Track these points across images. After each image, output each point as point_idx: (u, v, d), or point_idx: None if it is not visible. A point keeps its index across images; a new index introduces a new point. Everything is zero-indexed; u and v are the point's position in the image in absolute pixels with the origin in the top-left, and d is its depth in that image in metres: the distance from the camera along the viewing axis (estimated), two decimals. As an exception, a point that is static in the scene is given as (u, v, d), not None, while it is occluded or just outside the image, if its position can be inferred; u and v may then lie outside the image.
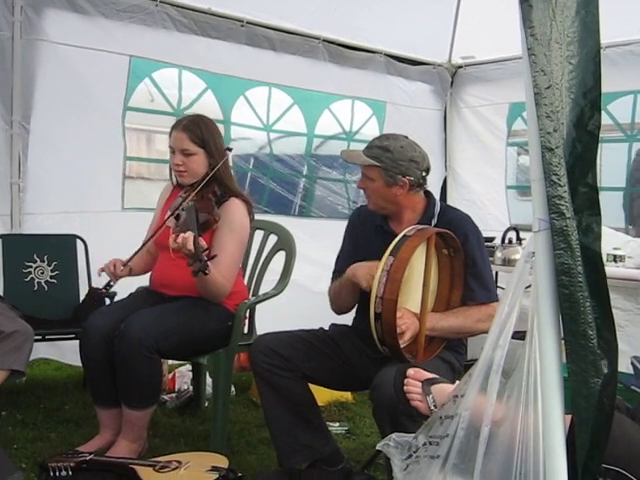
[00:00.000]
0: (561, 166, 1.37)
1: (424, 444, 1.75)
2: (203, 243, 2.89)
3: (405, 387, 2.13)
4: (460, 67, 6.19)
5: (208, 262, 2.83)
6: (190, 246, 2.83)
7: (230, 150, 3.37)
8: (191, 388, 4.14)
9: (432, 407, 2.00)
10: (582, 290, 1.37)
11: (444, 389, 2.03)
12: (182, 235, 2.87)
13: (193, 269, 2.81)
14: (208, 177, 3.23)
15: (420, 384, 2.09)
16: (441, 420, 1.71)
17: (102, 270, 3.31)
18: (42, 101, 4.30)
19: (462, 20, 5.75)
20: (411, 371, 2.14)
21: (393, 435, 1.91)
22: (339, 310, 3.02)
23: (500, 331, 1.56)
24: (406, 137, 2.90)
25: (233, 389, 3.92)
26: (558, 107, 1.38)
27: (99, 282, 3.49)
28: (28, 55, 4.22)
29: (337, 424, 3.78)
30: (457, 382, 2.03)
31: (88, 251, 4.27)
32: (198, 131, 3.29)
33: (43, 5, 4.23)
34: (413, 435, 1.85)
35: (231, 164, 5.09)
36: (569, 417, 1.41)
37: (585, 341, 1.37)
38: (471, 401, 1.62)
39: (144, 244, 3.35)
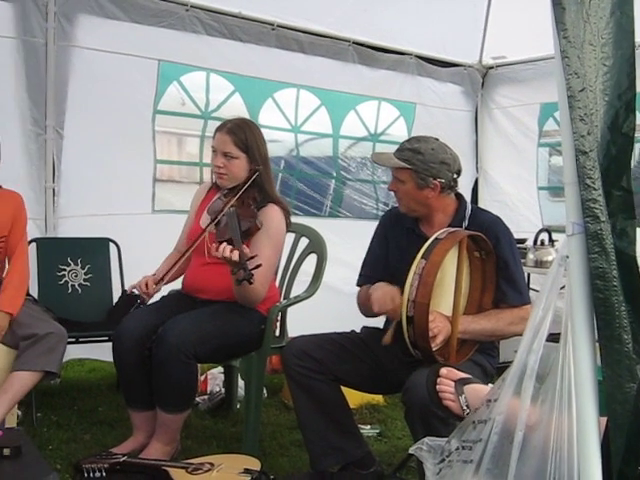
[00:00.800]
0: (595, 169, 1.36)
1: (457, 448, 1.74)
2: (247, 251, 2.89)
3: (438, 386, 2.12)
4: (491, 68, 6.16)
5: (252, 271, 2.81)
6: (235, 257, 2.82)
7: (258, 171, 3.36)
8: (223, 390, 4.15)
9: (464, 407, 1.99)
10: (617, 294, 1.36)
11: (477, 390, 2.01)
12: (225, 247, 2.85)
13: (237, 277, 2.81)
14: (248, 183, 3.24)
15: (453, 384, 2.08)
16: (474, 424, 1.70)
17: (133, 288, 3.35)
18: (75, 106, 4.36)
19: (493, 20, 5.72)
20: (444, 370, 2.13)
21: (426, 439, 1.90)
22: (367, 315, 3.01)
23: (534, 335, 1.55)
24: (437, 139, 2.89)
25: (265, 391, 3.92)
26: (592, 110, 1.37)
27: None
28: (61, 61, 4.28)
29: (368, 427, 3.77)
30: (490, 385, 2.02)
31: (121, 254, 4.31)
32: (242, 135, 3.29)
33: (76, 12, 4.29)
34: (446, 439, 1.84)
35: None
36: (604, 420, 1.40)
37: (620, 345, 1.36)
38: (505, 405, 1.61)
39: (182, 256, 3.35)
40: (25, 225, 3.44)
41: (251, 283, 2.83)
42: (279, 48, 5.05)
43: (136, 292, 3.35)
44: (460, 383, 2.05)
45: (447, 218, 2.91)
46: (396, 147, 2.93)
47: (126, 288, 3.41)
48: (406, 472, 3.05)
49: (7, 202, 3.38)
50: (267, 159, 3.38)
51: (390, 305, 2.68)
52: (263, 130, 5.13)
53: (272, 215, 3.27)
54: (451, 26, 5.65)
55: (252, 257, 2.87)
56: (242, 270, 2.80)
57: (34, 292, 3.93)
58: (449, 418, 2.35)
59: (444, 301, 2.67)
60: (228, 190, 3.30)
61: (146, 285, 3.26)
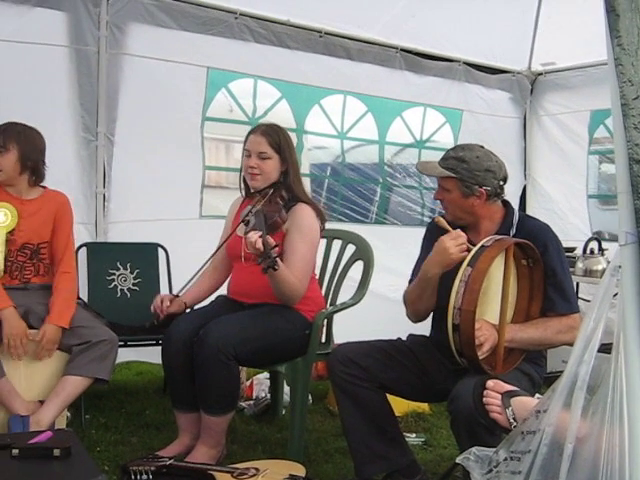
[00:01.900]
0: (649, 178, 1.34)
1: (505, 459, 1.72)
2: (271, 240, 2.94)
3: (484, 399, 2.11)
4: (540, 74, 6.11)
5: (277, 258, 2.88)
6: (259, 245, 2.89)
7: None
8: (268, 396, 4.17)
9: (511, 420, 1.97)
10: (671, 305, 1.34)
11: (524, 402, 1.99)
12: (249, 234, 2.94)
13: (263, 266, 2.86)
14: (274, 188, 3.31)
15: (499, 396, 2.06)
16: (523, 435, 1.68)
17: (153, 307, 3.45)
18: (125, 113, 4.44)
19: (542, 26, 5.67)
20: (490, 383, 2.12)
21: (473, 449, 1.89)
22: (415, 316, 2.98)
23: (585, 346, 1.53)
24: (482, 147, 2.87)
25: (310, 397, 3.93)
26: (647, 118, 1.35)
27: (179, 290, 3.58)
28: (112, 69, 4.36)
29: (414, 435, 3.75)
30: (537, 395, 2.00)
31: (169, 259, 4.37)
32: (276, 137, 3.38)
33: (127, 20, 4.37)
34: (494, 449, 1.82)
35: (308, 172, 5.18)
36: None
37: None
38: (554, 417, 1.59)
39: (195, 274, 3.45)
40: (70, 229, 3.45)
41: (275, 269, 2.88)
42: (326, 55, 5.09)
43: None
44: (507, 396, 2.03)
45: (494, 225, 2.89)
46: (441, 154, 2.92)
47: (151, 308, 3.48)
48: (451, 481, 3.04)
49: (49, 205, 3.39)
50: (296, 162, 3.48)
51: (462, 239, 2.67)
52: (309, 136, 5.24)
53: (303, 213, 3.33)
54: (500, 32, 5.62)
55: (276, 245, 2.94)
56: (267, 258, 2.85)
57: (84, 296, 4.00)
58: (495, 430, 2.34)
59: (491, 309, 2.65)
60: (257, 194, 3.38)
61: (161, 302, 3.41)
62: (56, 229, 3.39)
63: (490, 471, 1.78)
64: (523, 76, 6.09)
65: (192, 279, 3.44)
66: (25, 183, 3.34)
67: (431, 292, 2.85)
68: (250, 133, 3.43)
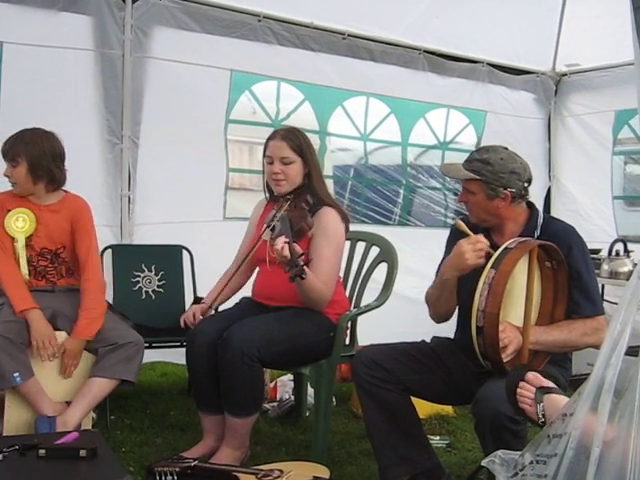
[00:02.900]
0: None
1: (531, 462, 1.72)
2: (298, 249, 2.94)
3: (519, 389, 2.09)
4: (564, 75, 6.08)
5: (304, 267, 2.87)
6: (286, 252, 2.89)
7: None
8: (292, 397, 4.18)
9: (540, 416, 1.96)
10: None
11: (556, 401, 1.97)
12: (277, 240, 2.94)
13: (290, 275, 2.86)
14: (298, 190, 3.32)
15: (534, 390, 2.05)
16: (549, 439, 1.67)
17: (183, 319, 3.47)
18: (150, 116, 4.47)
19: (566, 27, 5.65)
20: (530, 375, 2.10)
21: (499, 452, 1.88)
22: (438, 316, 2.99)
23: (612, 349, 1.52)
24: (506, 148, 2.86)
25: (334, 399, 3.93)
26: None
27: (203, 292, 3.60)
28: (137, 72, 4.39)
29: (438, 437, 3.74)
30: (561, 396, 1.99)
31: (194, 261, 4.40)
32: (297, 140, 3.37)
33: (151, 24, 4.40)
34: (519, 452, 1.82)
35: (331, 174, 5.19)
36: None
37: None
38: (581, 420, 1.58)
39: (233, 273, 3.45)
40: (89, 234, 3.42)
41: (303, 278, 2.89)
42: (349, 57, 5.09)
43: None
44: (541, 391, 2.01)
45: (518, 227, 2.87)
46: (465, 155, 2.92)
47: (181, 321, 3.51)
48: (475, 484, 3.02)
49: (66, 211, 3.39)
50: (318, 164, 3.47)
51: (482, 245, 2.66)
52: (332, 138, 5.25)
53: (328, 217, 3.32)
54: (524, 33, 5.61)
55: (303, 254, 2.94)
56: (294, 267, 2.85)
57: (109, 297, 4.03)
58: (520, 424, 2.34)
59: (515, 311, 2.64)
60: (282, 198, 3.36)
61: (193, 316, 3.42)
62: (75, 235, 3.39)
63: (516, 474, 1.77)
64: (547, 77, 6.06)
65: (221, 291, 3.45)
66: (42, 191, 3.34)
67: (448, 294, 2.87)
68: (269, 139, 3.42)
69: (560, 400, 1.94)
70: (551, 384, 2.06)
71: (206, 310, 3.46)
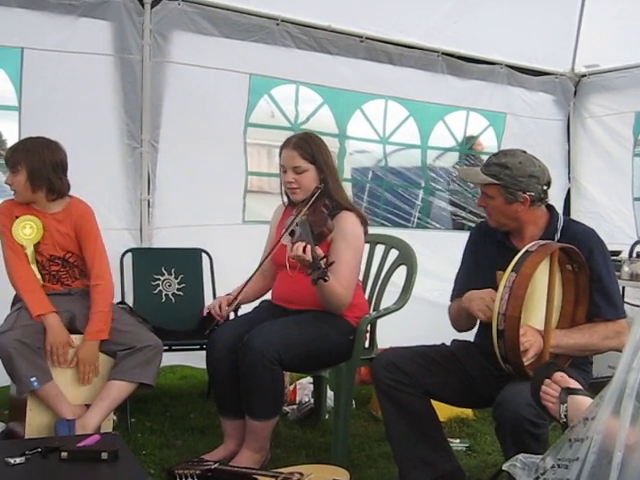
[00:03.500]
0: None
1: (552, 466, 1.71)
2: (320, 251, 2.94)
3: (544, 387, 2.08)
4: (584, 76, 6.05)
5: (326, 269, 2.87)
6: (308, 256, 2.89)
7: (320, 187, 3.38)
8: (312, 400, 4.18)
9: (562, 415, 1.95)
10: None
11: (580, 403, 1.95)
12: (297, 245, 2.93)
13: (312, 277, 2.86)
14: (317, 194, 3.29)
15: (559, 389, 2.03)
16: (570, 442, 1.66)
17: (208, 310, 3.45)
18: (169, 120, 4.50)
19: (586, 28, 5.62)
20: (558, 376, 2.09)
21: (520, 456, 1.87)
22: (459, 330, 3.01)
23: (634, 353, 1.51)
24: (524, 152, 2.85)
25: (353, 402, 3.93)
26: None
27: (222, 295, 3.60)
28: (156, 76, 4.42)
29: (457, 440, 3.72)
30: (586, 398, 1.97)
31: (213, 264, 4.41)
32: (308, 148, 3.35)
33: (170, 28, 4.43)
34: (540, 456, 1.81)
35: (349, 177, 5.19)
36: None
37: None
38: (603, 424, 1.57)
39: (255, 272, 3.42)
40: (94, 238, 3.41)
41: (326, 281, 2.89)
42: (368, 60, 5.09)
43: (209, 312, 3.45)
44: (566, 392, 2.00)
45: (538, 230, 2.86)
46: (485, 157, 2.91)
47: (204, 310, 3.49)
48: (496, 488, 3.01)
49: (70, 218, 3.39)
50: (334, 168, 3.46)
51: (488, 303, 2.64)
52: (351, 142, 5.24)
53: (347, 221, 3.32)
54: (542, 35, 5.60)
55: (325, 256, 2.93)
56: (317, 269, 2.85)
57: (129, 301, 4.05)
58: (541, 428, 2.34)
59: (535, 315, 2.62)
60: (300, 203, 3.36)
61: (219, 307, 3.38)
62: (81, 241, 3.40)
63: (537, 478, 1.76)
64: (566, 78, 6.03)
65: (245, 285, 3.41)
66: (43, 200, 3.34)
67: (465, 318, 2.89)
68: (282, 147, 3.42)
69: (584, 402, 1.93)
70: (578, 385, 2.04)
71: (232, 301, 3.41)
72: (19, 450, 2.48)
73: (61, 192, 3.37)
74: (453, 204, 5.76)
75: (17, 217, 3.33)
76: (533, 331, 2.58)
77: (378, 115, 5.36)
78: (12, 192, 3.36)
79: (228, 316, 3.58)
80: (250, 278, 3.39)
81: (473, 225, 5.05)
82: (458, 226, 5.71)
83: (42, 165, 3.26)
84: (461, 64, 5.46)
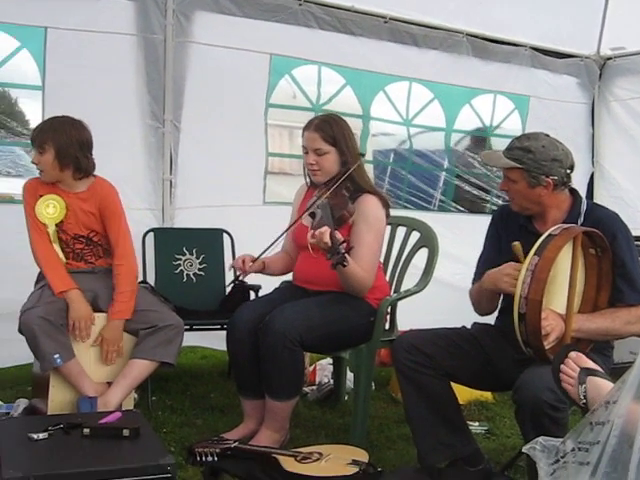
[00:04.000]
0: None
1: (572, 449, 1.70)
2: (339, 236, 2.92)
3: (563, 366, 2.08)
4: (609, 59, 5.97)
5: (346, 254, 2.87)
6: (326, 239, 2.88)
7: (363, 155, 3.37)
8: (331, 381, 4.19)
9: (582, 397, 1.94)
10: None
11: (598, 385, 1.94)
12: (318, 230, 2.93)
13: (332, 262, 2.86)
14: (343, 177, 3.27)
15: (578, 370, 2.03)
16: (591, 426, 1.66)
17: (232, 266, 3.45)
18: (191, 100, 4.50)
19: (612, 10, 5.54)
20: (573, 354, 2.08)
21: (540, 438, 1.87)
22: (481, 313, 2.99)
23: (657, 338, 1.50)
24: (547, 135, 2.82)
25: (373, 384, 3.93)
26: None
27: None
28: (179, 57, 4.42)
29: (477, 423, 3.73)
30: (605, 380, 1.96)
31: (234, 245, 4.42)
32: (329, 130, 3.34)
33: (193, 8, 4.43)
34: (560, 439, 1.80)
35: (371, 158, 5.17)
36: None
37: None
38: (624, 408, 1.56)
39: (276, 240, 3.41)
40: (119, 218, 3.43)
41: (344, 266, 2.88)
42: (392, 41, 5.06)
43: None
44: (584, 372, 1.99)
45: (561, 214, 2.84)
46: (509, 141, 2.88)
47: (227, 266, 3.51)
48: (514, 471, 3.01)
49: (94, 198, 3.41)
50: (356, 150, 3.44)
51: (516, 276, 2.58)
52: (374, 123, 5.22)
53: (368, 204, 3.31)
54: (567, 16, 5.52)
55: (344, 241, 2.91)
56: (336, 254, 2.84)
57: (151, 280, 4.08)
58: (561, 412, 2.35)
59: (557, 299, 2.61)
60: (323, 185, 3.35)
61: (242, 262, 3.38)
62: (105, 220, 3.42)
63: (557, 461, 1.76)
64: (591, 61, 5.95)
65: (269, 247, 3.38)
66: (70, 178, 3.36)
67: (486, 301, 2.89)
68: (304, 129, 3.41)
69: (602, 384, 1.92)
70: (596, 366, 2.03)
71: (255, 259, 3.39)
72: (42, 426, 2.52)
73: (87, 171, 3.39)
74: (477, 187, 5.72)
75: (41, 196, 3.35)
76: (555, 315, 2.56)
77: (401, 97, 5.32)
78: (38, 172, 3.38)
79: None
80: (274, 242, 3.38)
81: (496, 208, 5.02)
82: (482, 210, 5.67)
83: (69, 144, 3.28)
84: (486, 45, 5.40)
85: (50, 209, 3.35)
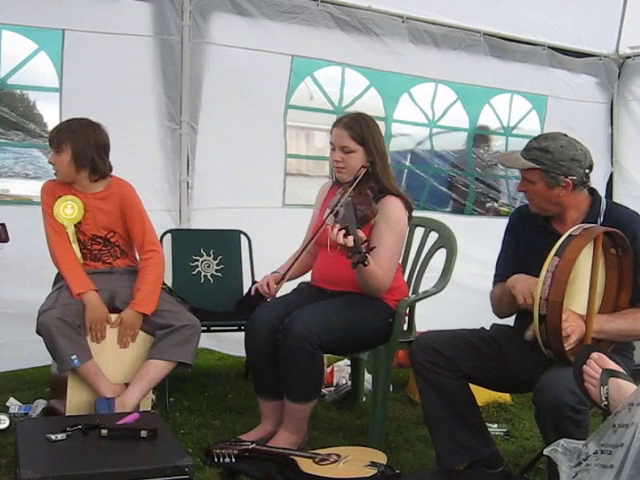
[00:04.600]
0: None
1: (595, 452, 1.68)
2: (362, 235, 2.91)
3: (585, 367, 2.05)
4: (628, 57, 5.94)
5: (367, 254, 2.84)
6: (350, 242, 2.85)
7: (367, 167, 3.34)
8: (349, 383, 4.18)
9: (603, 398, 1.91)
10: None
11: (621, 386, 1.92)
12: (339, 230, 2.90)
13: (352, 261, 2.83)
14: (362, 174, 3.26)
15: (600, 371, 2.00)
16: (614, 428, 1.64)
17: (256, 290, 3.44)
18: (208, 101, 4.50)
19: (631, 7, 5.50)
20: (595, 355, 2.06)
21: (561, 441, 1.85)
22: (500, 315, 2.97)
23: (682, 339, 1.48)
24: (565, 135, 2.79)
25: (391, 385, 3.92)
26: None
27: (261, 276, 3.59)
28: (196, 58, 4.43)
29: (495, 425, 3.70)
30: (627, 382, 1.93)
31: (252, 246, 4.42)
32: (358, 129, 3.32)
33: (210, 9, 4.44)
34: (582, 442, 1.78)
35: (390, 160, 5.14)
36: None
37: None
38: (649, 410, 1.54)
39: (302, 250, 3.40)
40: (140, 215, 3.45)
41: (366, 265, 2.85)
42: (413, 42, 5.05)
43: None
44: (607, 373, 1.96)
45: (581, 214, 2.81)
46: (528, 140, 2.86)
47: (251, 289, 3.50)
48: (534, 474, 2.98)
49: (112, 198, 3.42)
50: (384, 151, 3.41)
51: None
52: (396, 125, 5.19)
53: (391, 205, 3.29)
54: (586, 15, 5.50)
55: (366, 240, 2.89)
56: (357, 253, 2.82)
57: (168, 281, 4.07)
58: (582, 414, 2.32)
59: (578, 300, 2.58)
60: (347, 183, 3.33)
61: (267, 285, 3.37)
62: (127, 219, 3.44)
63: (579, 464, 1.74)
64: (610, 60, 5.91)
65: (293, 264, 3.38)
66: (85, 180, 3.37)
67: (507, 303, 2.85)
68: (334, 125, 3.40)
69: (625, 386, 1.89)
70: (618, 367, 2.01)
71: (279, 280, 3.38)
72: (60, 427, 2.53)
73: (103, 173, 3.40)
74: (495, 189, 5.69)
75: (59, 197, 3.36)
76: (575, 316, 2.54)
77: (426, 98, 5.31)
78: (54, 172, 3.39)
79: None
80: (298, 257, 3.38)
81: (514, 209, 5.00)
82: (500, 212, 5.65)
83: (86, 145, 3.30)
84: (503, 44, 5.38)
85: (68, 210, 3.36)
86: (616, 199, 5.76)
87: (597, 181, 2.91)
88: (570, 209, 2.80)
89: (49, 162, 3.40)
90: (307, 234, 3.61)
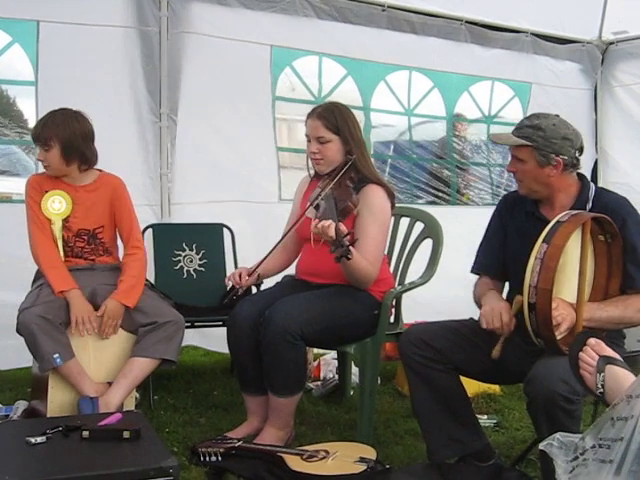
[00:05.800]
0: None
1: (593, 446, 1.63)
2: (344, 228, 2.88)
3: (581, 354, 2.01)
4: (611, 43, 5.93)
5: (350, 247, 2.81)
6: (331, 233, 2.83)
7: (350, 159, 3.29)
8: (336, 376, 4.14)
9: (599, 386, 1.87)
10: None
11: (617, 375, 1.87)
12: (322, 223, 2.86)
13: (335, 255, 2.80)
14: (346, 167, 3.21)
15: (597, 357, 1.96)
16: (613, 421, 1.59)
17: (228, 280, 3.39)
18: (188, 93, 4.45)
19: (613, -7, 5.48)
20: (592, 341, 2.01)
21: (557, 435, 1.80)
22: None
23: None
24: (557, 115, 2.77)
25: (378, 378, 3.87)
26: None
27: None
28: (174, 48, 4.37)
29: (485, 417, 3.66)
30: (624, 370, 1.89)
31: (235, 239, 4.36)
32: (332, 118, 3.28)
33: (187, -1, 4.34)
34: (579, 435, 1.73)
35: (372, 151, 5.10)
36: None
37: None
38: (648, 403, 1.50)
39: (277, 243, 3.35)
40: (129, 209, 3.43)
41: (349, 259, 2.82)
42: (390, 30, 5.01)
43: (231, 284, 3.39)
44: (603, 360, 1.92)
45: (569, 199, 2.78)
46: (511, 129, 2.82)
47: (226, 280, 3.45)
48: (525, 465, 2.96)
49: (102, 190, 3.39)
50: (360, 140, 3.36)
51: (498, 323, 2.63)
52: (375, 114, 5.14)
53: (373, 194, 3.25)
54: (569, 1, 5.46)
55: (348, 233, 2.86)
56: (340, 247, 2.79)
57: (150, 277, 4.00)
58: (575, 404, 2.29)
59: (567, 287, 2.55)
60: (326, 176, 3.29)
61: (239, 276, 3.32)
62: (116, 213, 3.40)
63: (576, 458, 1.69)
64: (593, 46, 5.90)
65: (266, 257, 3.32)
66: (76, 172, 3.33)
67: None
68: (307, 117, 3.35)
69: (621, 374, 1.84)
70: (615, 354, 1.96)
71: (252, 272, 3.33)
72: (40, 429, 2.47)
73: (92, 162, 3.37)
74: (478, 178, 5.66)
75: (46, 191, 3.31)
76: (565, 304, 2.50)
77: (402, 86, 5.27)
78: (43, 168, 3.34)
79: (250, 289, 3.53)
80: (272, 250, 3.32)
81: (499, 198, 4.97)
82: (483, 201, 5.62)
83: (73, 137, 3.25)
84: (485, 32, 5.36)
85: (56, 204, 3.31)
86: (602, 186, 5.73)
87: (582, 168, 2.87)
88: (559, 192, 2.77)
89: (38, 159, 3.34)
90: (286, 229, 3.56)
